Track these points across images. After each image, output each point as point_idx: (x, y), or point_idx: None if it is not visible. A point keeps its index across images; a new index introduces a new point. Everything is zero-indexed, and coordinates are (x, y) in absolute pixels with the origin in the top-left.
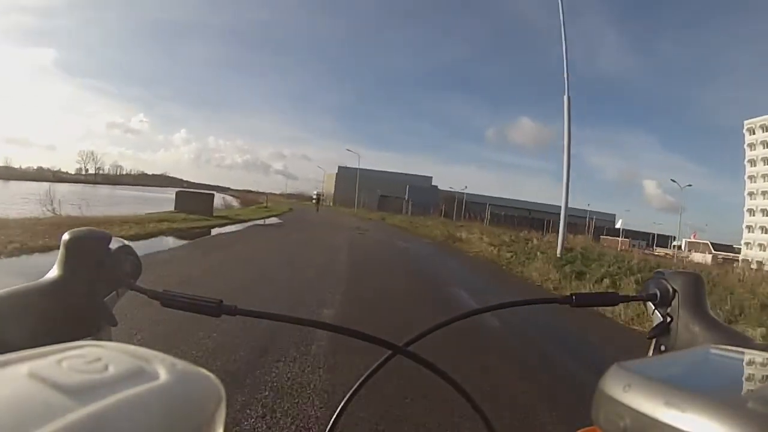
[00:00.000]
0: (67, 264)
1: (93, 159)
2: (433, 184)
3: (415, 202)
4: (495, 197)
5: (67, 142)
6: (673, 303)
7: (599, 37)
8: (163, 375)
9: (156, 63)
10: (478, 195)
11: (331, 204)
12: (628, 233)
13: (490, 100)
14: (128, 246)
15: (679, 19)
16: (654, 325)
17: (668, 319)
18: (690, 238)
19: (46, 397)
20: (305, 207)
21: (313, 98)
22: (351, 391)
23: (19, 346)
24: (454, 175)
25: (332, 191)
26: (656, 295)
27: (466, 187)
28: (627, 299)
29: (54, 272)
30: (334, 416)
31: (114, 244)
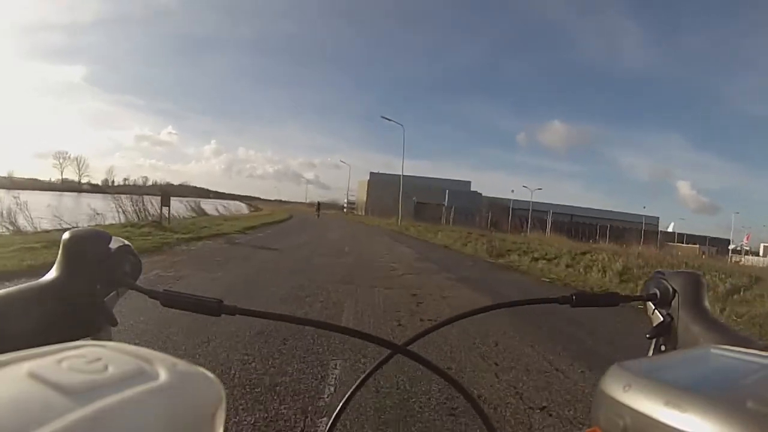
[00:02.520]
0: (67, 264)
1: (77, 164)
2: (472, 189)
3: (455, 209)
4: (537, 202)
5: (96, 155)
6: (673, 303)
7: (628, 35)
8: (163, 375)
9: (183, 76)
10: (522, 201)
11: (362, 213)
12: (678, 237)
13: (518, 104)
14: (128, 245)
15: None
16: (654, 325)
17: (668, 319)
18: (744, 240)
19: (46, 397)
20: (323, 218)
21: (341, 108)
22: (351, 391)
23: (19, 346)
24: (486, 180)
25: (364, 199)
26: (656, 295)
27: (525, 189)
28: (627, 299)
29: (54, 272)
30: (335, 415)
31: (114, 244)
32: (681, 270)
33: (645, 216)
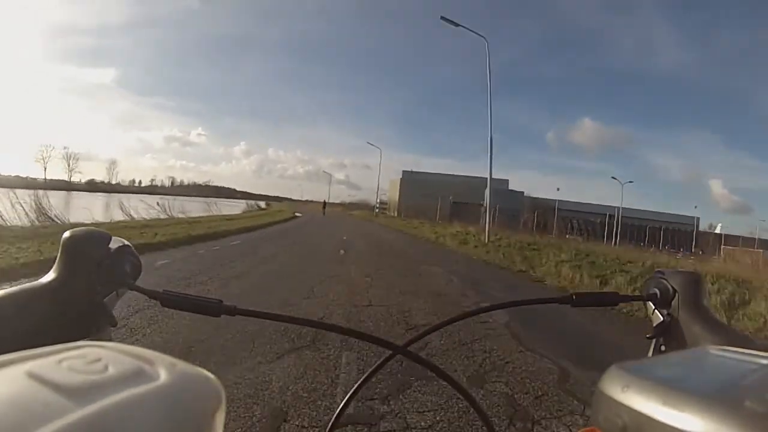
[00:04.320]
0: (67, 264)
1: (66, 158)
2: (510, 188)
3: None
4: (574, 202)
5: (127, 155)
6: (673, 303)
7: (663, 32)
8: (163, 375)
9: (213, 77)
10: (565, 201)
11: (394, 214)
12: (731, 239)
13: (548, 102)
14: (128, 246)
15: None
16: (654, 325)
17: (668, 319)
18: None
19: (45, 398)
20: (335, 226)
21: (371, 108)
22: (351, 392)
23: (19, 346)
24: (517, 179)
25: (396, 199)
26: (656, 294)
27: (559, 188)
28: (627, 299)
29: (54, 272)
30: (335, 415)
31: (114, 244)
32: (681, 269)
33: (686, 216)
